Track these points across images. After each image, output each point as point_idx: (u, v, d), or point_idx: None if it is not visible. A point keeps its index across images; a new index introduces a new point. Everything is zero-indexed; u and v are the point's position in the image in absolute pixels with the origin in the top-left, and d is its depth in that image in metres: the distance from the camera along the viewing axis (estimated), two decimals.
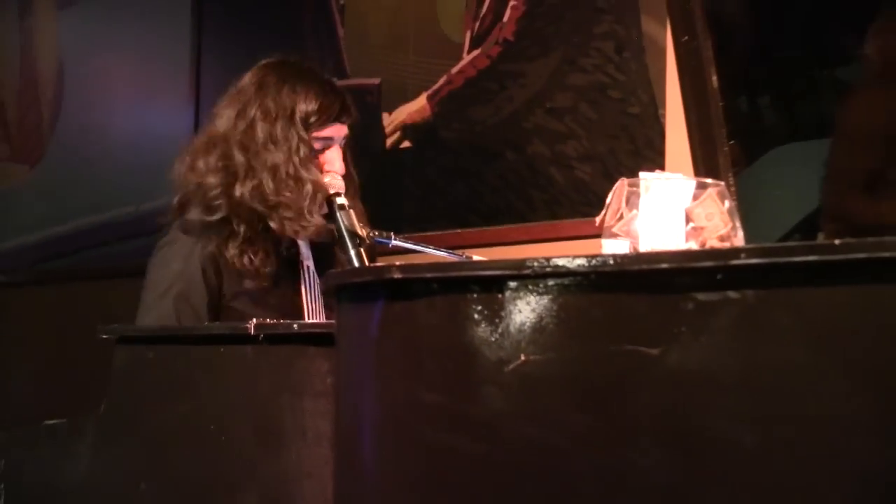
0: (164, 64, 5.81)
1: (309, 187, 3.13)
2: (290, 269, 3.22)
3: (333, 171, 3.16)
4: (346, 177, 3.22)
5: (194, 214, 3.20)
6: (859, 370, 1.72)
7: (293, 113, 3.16)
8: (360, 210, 3.29)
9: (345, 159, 3.25)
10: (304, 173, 3.13)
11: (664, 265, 1.87)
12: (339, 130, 3.19)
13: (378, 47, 4.97)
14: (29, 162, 6.47)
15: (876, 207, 3.77)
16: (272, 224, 3.11)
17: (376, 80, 4.93)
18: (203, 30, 5.67)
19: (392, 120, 4.86)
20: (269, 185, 3.13)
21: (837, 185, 3.90)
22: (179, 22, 5.75)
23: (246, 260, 3.13)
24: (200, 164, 3.22)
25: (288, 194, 3.12)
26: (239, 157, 3.19)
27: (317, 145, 3.17)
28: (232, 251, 3.12)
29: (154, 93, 5.88)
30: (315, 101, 3.17)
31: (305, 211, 3.12)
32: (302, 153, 3.14)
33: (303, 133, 3.15)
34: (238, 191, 3.16)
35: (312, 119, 3.16)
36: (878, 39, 3.91)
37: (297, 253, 3.24)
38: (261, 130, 3.17)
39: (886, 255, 1.70)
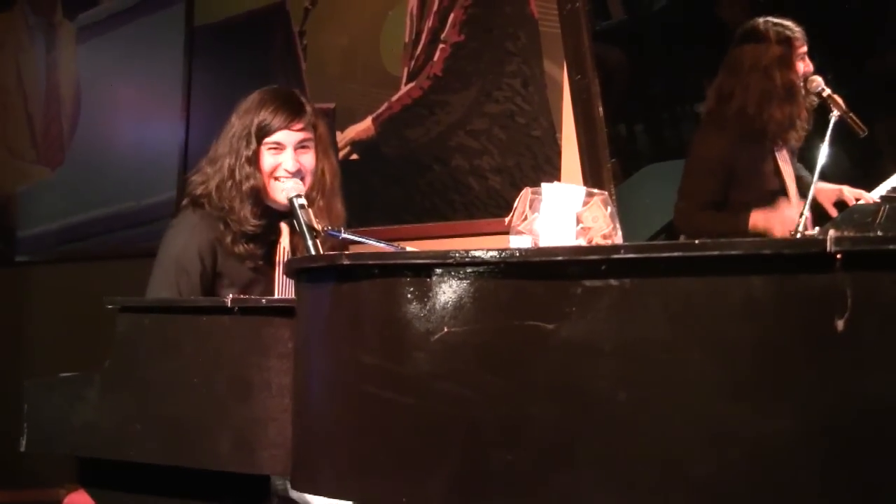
0: (161, 88, 5.76)
1: (245, 189, 3.13)
2: (272, 248, 3.21)
3: (288, 169, 3.14)
4: (313, 175, 3.20)
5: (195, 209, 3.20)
6: (710, 343, 1.72)
7: (250, 126, 3.15)
8: (337, 209, 3.26)
9: (317, 160, 3.22)
10: (243, 179, 3.13)
11: (559, 257, 1.87)
12: (287, 136, 3.16)
13: (333, 78, 4.94)
14: (51, 165, 6.40)
15: (717, 222, 3.77)
16: (231, 224, 3.12)
17: (332, 105, 4.90)
18: (193, 62, 5.63)
19: (343, 137, 4.83)
20: (215, 194, 3.16)
21: (687, 205, 3.89)
22: (174, 55, 5.70)
23: (241, 248, 3.14)
24: (195, 177, 3.23)
25: (228, 202, 3.14)
26: (207, 169, 3.21)
27: (271, 147, 3.15)
28: (228, 240, 3.12)
29: (153, 111, 5.83)
30: (267, 113, 3.15)
31: (242, 212, 3.13)
32: (244, 159, 3.13)
33: (253, 143, 3.14)
34: (205, 196, 3.18)
35: (264, 126, 3.14)
36: (717, 85, 3.91)
37: (279, 235, 3.22)
38: (222, 146, 3.19)
39: (733, 252, 1.71)
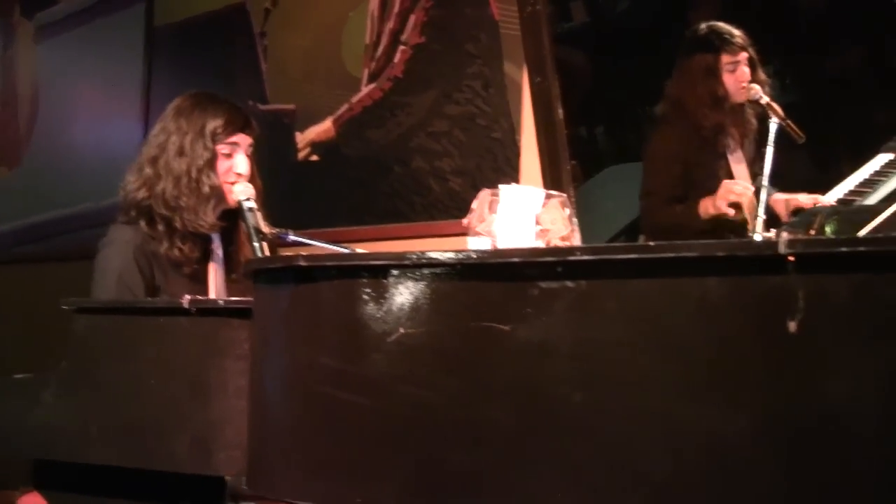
0: (120, 88, 5.75)
1: (206, 190, 3.12)
2: (206, 258, 3.20)
3: (239, 172, 3.14)
4: (251, 180, 3.20)
5: (127, 219, 3.17)
6: (667, 344, 1.74)
7: (203, 127, 3.14)
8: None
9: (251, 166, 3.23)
10: (203, 179, 3.12)
11: (515, 259, 1.88)
12: (243, 139, 3.17)
13: (294, 80, 4.94)
14: (8, 165, 6.37)
15: (678, 215, 3.80)
16: (176, 224, 3.10)
17: (292, 106, 4.90)
18: (153, 61, 5.62)
19: (304, 138, 4.83)
20: (171, 191, 3.12)
21: (650, 202, 3.92)
22: (134, 55, 5.68)
23: (177, 252, 3.12)
24: (129, 178, 3.20)
25: (185, 199, 3.11)
26: (148, 171, 3.18)
27: (225, 150, 3.15)
28: (165, 245, 3.11)
29: (112, 111, 5.81)
30: (222, 117, 3.16)
31: (201, 212, 3.11)
32: (203, 161, 3.13)
33: (209, 144, 3.14)
34: (149, 199, 3.15)
35: (219, 130, 3.14)
36: (672, 84, 3.95)
37: (210, 241, 3.21)
38: (172, 144, 3.16)
39: (688, 254, 1.72)
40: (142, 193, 3.16)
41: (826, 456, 1.63)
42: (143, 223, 3.14)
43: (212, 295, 3.18)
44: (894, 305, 1.61)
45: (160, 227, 3.12)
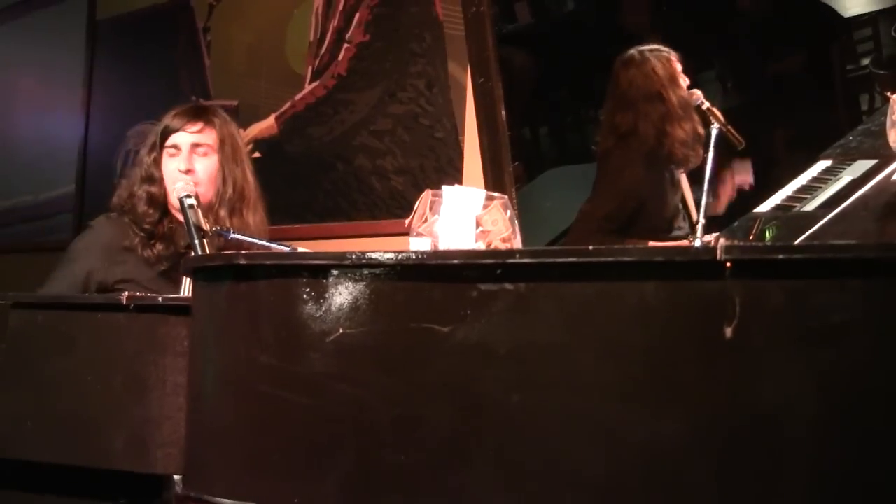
0: (61, 81, 5.70)
1: (144, 195, 3.20)
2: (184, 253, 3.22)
3: (179, 168, 3.17)
4: (216, 182, 3.20)
5: (116, 211, 3.28)
6: (603, 347, 1.75)
7: (155, 136, 3.25)
8: (250, 221, 3.26)
9: (222, 167, 3.23)
10: (147, 182, 3.22)
11: (455, 260, 1.89)
12: (183, 137, 3.20)
13: (237, 75, 4.93)
14: None
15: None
16: (138, 228, 3.18)
17: (234, 102, 4.89)
18: (95, 55, 5.58)
19: (247, 135, 4.81)
20: (126, 198, 3.24)
21: (589, 227, 3.83)
22: (76, 47, 5.64)
23: (148, 252, 3.17)
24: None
25: (132, 207, 3.21)
26: (122, 181, 3.31)
27: (170, 153, 3.21)
28: (137, 242, 3.18)
29: (53, 104, 5.77)
30: (166, 120, 3.24)
31: (140, 212, 3.20)
32: (146, 168, 3.23)
33: (155, 153, 3.23)
34: (118, 202, 3.26)
35: (164, 130, 3.23)
36: (611, 122, 3.89)
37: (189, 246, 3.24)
38: (137, 156, 3.30)
39: (627, 258, 1.73)
40: (116, 196, 3.27)
41: (759, 460, 1.65)
42: (126, 219, 3.23)
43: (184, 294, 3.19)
44: (828, 312, 1.63)
45: (130, 231, 3.20)
